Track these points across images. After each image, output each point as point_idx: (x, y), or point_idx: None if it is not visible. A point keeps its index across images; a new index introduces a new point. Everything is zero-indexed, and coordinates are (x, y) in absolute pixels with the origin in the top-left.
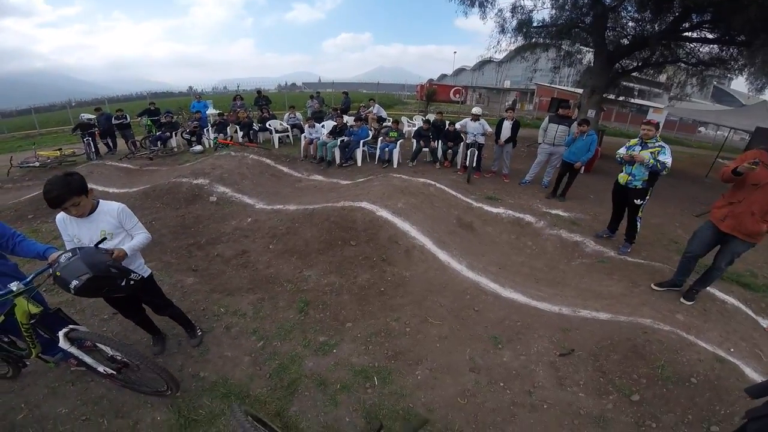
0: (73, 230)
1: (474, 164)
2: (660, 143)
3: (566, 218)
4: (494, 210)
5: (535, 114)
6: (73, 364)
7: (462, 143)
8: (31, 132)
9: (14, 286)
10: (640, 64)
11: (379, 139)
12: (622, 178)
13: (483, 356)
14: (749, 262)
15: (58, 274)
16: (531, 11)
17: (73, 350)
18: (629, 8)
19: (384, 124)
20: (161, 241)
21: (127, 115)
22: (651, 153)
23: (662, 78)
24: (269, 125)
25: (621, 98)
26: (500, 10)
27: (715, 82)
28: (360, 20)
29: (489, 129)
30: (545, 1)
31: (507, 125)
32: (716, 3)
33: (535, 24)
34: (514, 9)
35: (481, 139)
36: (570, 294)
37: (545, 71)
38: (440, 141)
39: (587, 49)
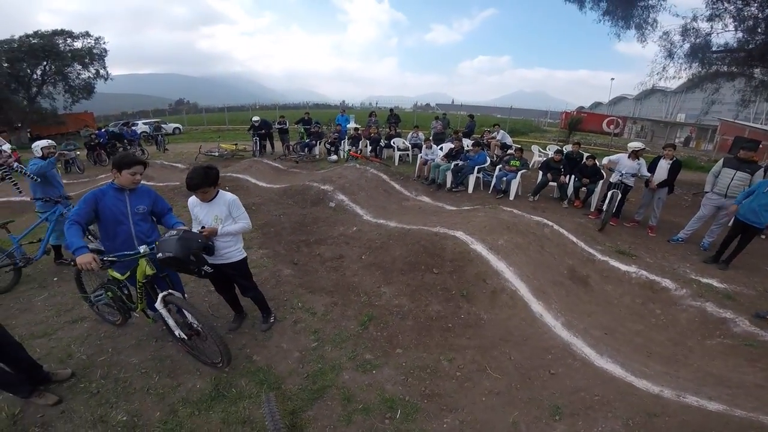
0: (197, 211)
1: (614, 209)
2: None
3: (720, 290)
4: (623, 267)
5: (713, 155)
6: None
7: (601, 181)
8: (221, 126)
9: (141, 248)
10: None
11: (498, 167)
12: None
13: (530, 424)
14: None
15: (157, 243)
16: (708, 34)
17: (163, 311)
18: None
19: (507, 151)
20: (281, 233)
21: (287, 122)
22: None
23: None
24: (393, 143)
25: None
26: (666, 33)
27: None
28: (499, 43)
29: (646, 174)
30: (727, 23)
31: (664, 165)
32: None
33: (715, 48)
34: (684, 32)
35: (630, 181)
36: (685, 376)
37: (731, 105)
38: (573, 176)
39: None
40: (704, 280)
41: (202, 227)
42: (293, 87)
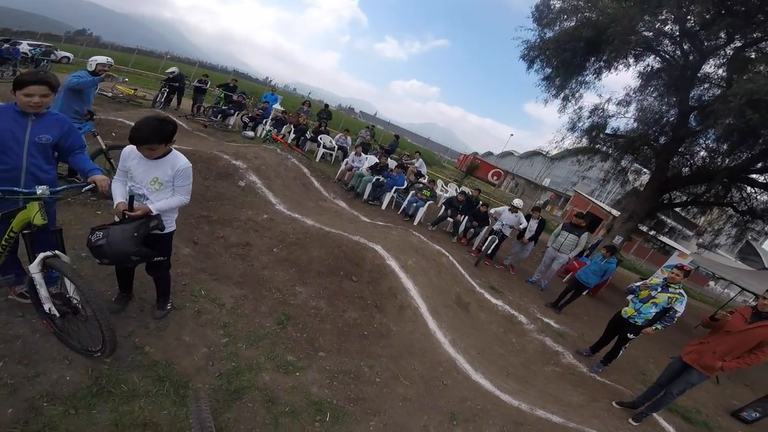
0: (132, 164)
1: (489, 251)
2: (680, 291)
3: (555, 329)
4: (493, 300)
5: (559, 221)
6: (14, 292)
7: (486, 227)
8: (122, 67)
9: (40, 189)
10: (689, 199)
11: (411, 192)
12: (627, 311)
13: (437, 427)
14: (699, 402)
15: (92, 245)
16: (610, 116)
17: (37, 276)
18: (709, 134)
19: (420, 179)
20: None
21: (208, 82)
22: (669, 298)
23: (700, 221)
24: (320, 138)
25: (652, 232)
26: (580, 108)
27: (749, 237)
28: (435, 73)
29: (525, 223)
30: (630, 110)
31: (533, 224)
32: None
33: (607, 130)
34: (594, 110)
35: (507, 231)
36: (533, 394)
37: (591, 180)
38: (467, 217)
39: (645, 170)
40: (545, 320)
41: (128, 205)
42: (220, 49)
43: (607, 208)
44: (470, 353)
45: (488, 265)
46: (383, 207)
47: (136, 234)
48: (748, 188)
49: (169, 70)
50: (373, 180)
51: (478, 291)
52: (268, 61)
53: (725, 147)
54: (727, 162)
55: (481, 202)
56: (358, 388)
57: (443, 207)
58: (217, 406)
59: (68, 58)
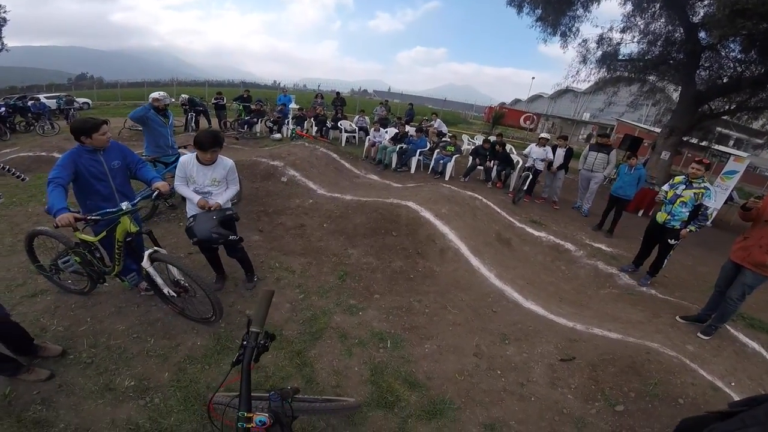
0: (191, 172)
1: (525, 187)
2: (705, 185)
3: (607, 252)
4: (536, 233)
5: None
6: (142, 288)
7: (519, 166)
8: (138, 102)
9: (124, 205)
10: (733, 107)
11: (436, 151)
12: (661, 216)
13: (488, 346)
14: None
15: (187, 227)
16: (618, 44)
17: (150, 269)
18: (731, 47)
19: (443, 138)
20: (236, 204)
21: (224, 98)
22: (695, 194)
23: (757, 125)
24: (340, 125)
25: (703, 143)
26: (584, 41)
27: None
28: (437, 35)
29: (551, 156)
30: (635, 35)
31: (560, 152)
32: None
33: (620, 57)
34: (600, 40)
35: (539, 165)
36: (589, 315)
37: (631, 107)
38: (495, 161)
39: (674, 87)
40: (596, 245)
41: (206, 204)
42: (218, 63)
43: (656, 130)
44: (518, 283)
45: (527, 201)
46: (412, 171)
47: (214, 217)
48: None
49: (183, 96)
50: (397, 149)
51: (518, 226)
52: (270, 66)
53: (753, 56)
54: (759, 69)
55: (497, 145)
56: (410, 318)
57: (471, 157)
58: (305, 346)
59: (88, 104)
